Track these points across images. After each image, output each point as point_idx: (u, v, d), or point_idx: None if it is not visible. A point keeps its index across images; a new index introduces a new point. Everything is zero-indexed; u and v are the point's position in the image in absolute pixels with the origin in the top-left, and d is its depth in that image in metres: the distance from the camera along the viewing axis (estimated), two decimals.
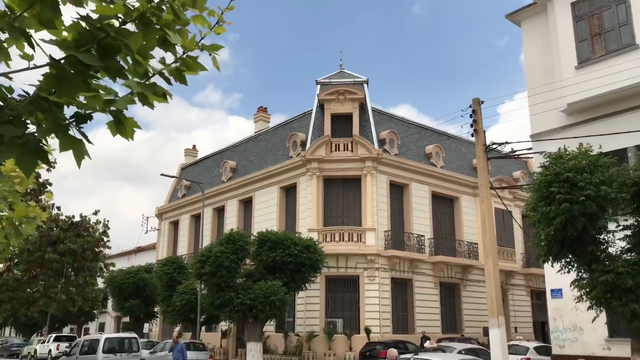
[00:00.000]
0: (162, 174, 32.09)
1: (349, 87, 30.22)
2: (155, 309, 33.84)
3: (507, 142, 16.31)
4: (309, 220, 28.29)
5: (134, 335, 23.29)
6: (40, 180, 14.53)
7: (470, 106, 16.63)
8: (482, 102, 16.65)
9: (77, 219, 26.36)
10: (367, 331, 25.73)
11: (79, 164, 2.08)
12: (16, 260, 16.90)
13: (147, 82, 2.07)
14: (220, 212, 36.25)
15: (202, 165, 41.21)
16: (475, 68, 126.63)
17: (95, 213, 28.06)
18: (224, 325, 29.78)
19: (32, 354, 34.80)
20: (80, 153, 2.06)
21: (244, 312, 22.40)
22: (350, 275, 27.67)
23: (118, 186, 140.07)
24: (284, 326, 28.01)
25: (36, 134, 2.05)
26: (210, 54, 2.15)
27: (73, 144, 2.04)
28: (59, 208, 24.56)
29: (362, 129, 29.58)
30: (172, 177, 33.19)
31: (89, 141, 2.07)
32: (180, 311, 26.79)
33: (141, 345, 25.63)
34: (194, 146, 45.13)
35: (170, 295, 27.99)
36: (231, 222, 33.58)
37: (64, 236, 23.86)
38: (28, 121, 2.19)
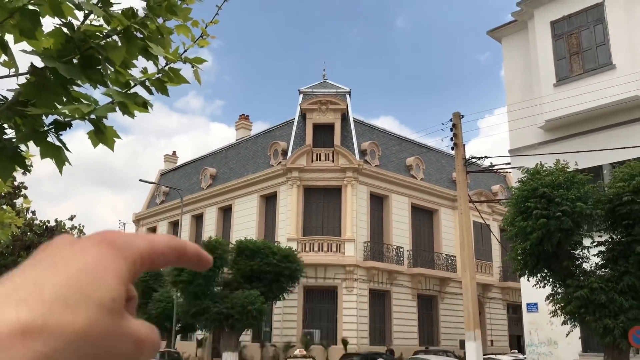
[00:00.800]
0: (140, 180, 31.74)
1: (332, 98, 30.36)
2: None
3: (486, 157, 16.60)
4: (288, 230, 28.21)
5: None
6: (15, 183, 14.25)
7: (450, 120, 16.86)
8: (463, 116, 16.90)
9: (52, 223, 25.95)
10: (345, 342, 25.66)
11: (60, 171, 2.05)
12: None
13: (128, 92, 2.05)
14: (199, 219, 35.96)
15: (181, 172, 40.89)
16: (456, 82, 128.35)
17: (71, 218, 27.72)
18: (199, 334, 29.42)
19: None
20: (60, 160, 2.03)
21: (220, 321, 22.17)
22: (329, 286, 27.62)
23: (95, 190, 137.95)
24: (260, 336, 27.79)
25: (14, 140, 2.01)
26: (192, 67, 2.14)
27: (53, 151, 2.01)
28: (33, 212, 24.14)
29: (343, 140, 29.69)
30: (151, 183, 32.86)
31: (67, 149, 2.04)
32: (156, 319, 26.40)
33: None
34: (174, 152, 44.80)
35: (146, 303, 27.59)
36: (210, 229, 33.31)
37: (38, 241, 23.45)
38: (6, 126, 2.16)
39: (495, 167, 18.36)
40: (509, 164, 18.00)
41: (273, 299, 24.23)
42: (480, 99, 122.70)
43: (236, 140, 38.05)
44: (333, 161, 29.10)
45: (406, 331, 29.22)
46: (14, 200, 14.04)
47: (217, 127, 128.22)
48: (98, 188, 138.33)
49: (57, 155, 2.04)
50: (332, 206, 29.06)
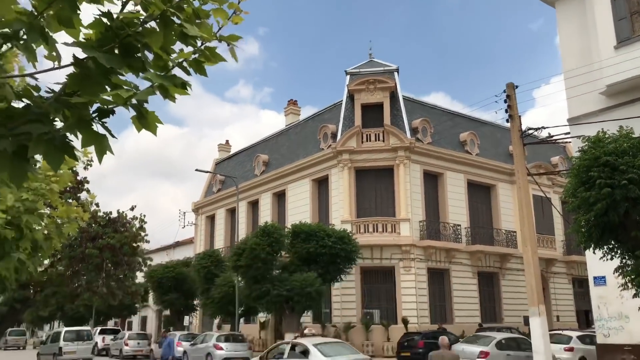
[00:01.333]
0: (196, 169, 32.63)
1: (379, 77, 29.94)
2: (195, 302, 34.52)
3: (543, 127, 15.92)
4: (341, 212, 28.26)
5: (88, 328, 30.47)
6: (78, 178, 14.96)
7: (504, 91, 16.25)
8: (517, 86, 16.24)
9: (114, 215, 27.12)
10: (405, 322, 25.61)
11: (100, 160, 2.11)
12: (59, 257, 17.57)
13: (166, 74, 2.07)
14: (254, 205, 36.60)
15: (235, 160, 41.65)
16: (509, 53, 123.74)
17: (132, 209, 28.84)
18: (262, 317, 30.13)
19: None
20: (102, 148, 2.08)
21: (280, 303, 22.62)
22: (386, 267, 27.55)
23: (156, 183, 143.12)
24: (321, 317, 28.14)
25: (61, 130, 2.08)
26: (228, 45, 2.14)
27: (95, 139, 2.07)
28: (97, 205, 25.33)
29: (393, 119, 29.29)
30: (207, 172, 33.68)
31: (112, 135, 2.09)
32: (219, 303, 27.22)
33: (181, 338, 26.53)
34: (227, 141, 45.63)
35: (208, 288, 28.47)
36: (265, 215, 33.85)
37: (103, 232, 24.63)
38: (55, 118, 2.23)
39: (554, 138, 17.54)
40: (568, 133, 17.19)
41: (330, 280, 24.45)
42: (535, 68, 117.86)
43: (286, 126, 38.31)
44: (383, 141, 28.80)
45: (467, 309, 28.82)
46: (78, 195, 14.74)
47: (267, 115, 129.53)
48: (158, 180, 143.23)
49: (100, 142, 2.09)
50: (384, 187, 28.84)
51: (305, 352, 13.73)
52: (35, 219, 6.13)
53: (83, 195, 15.07)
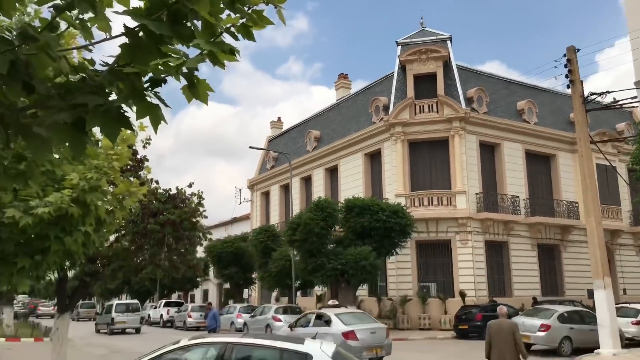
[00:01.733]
0: (250, 147, 33.11)
1: (431, 46, 29.15)
2: (253, 276, 35.46)
3: (607, 92, 15.06)
4: (395, 186, 28.02)
5: (136, 301, 33.56)
6: (138, 156, 15.51)
7: (564, 55, 15.45)
8: (578, 49, 15.40)
9: (173, 192, 28.07)
10: (462, 295, 25.34)
11: (155, 129, 2.15)
12: (123, 232, 18.42)
13: (215, 41, 2.07)
14: (307, 181, 36.86)
15: (287, 137, 41.95)
16: (568, 16, 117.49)
17: (190, 186, 29.74)
18: (318, 290, 30.60)
19: (147, 318, 38.07)
20: (157, 118, 2.12)
21: (336, 276, 22.86)
22: (442, 240, 27.22)
23: (211, 162, 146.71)
24: (376, 291, 28.27)
25: (116, 102, 2.13)
26: (275, 7, 2.11)
27: (149, 110, 2.10)
28: (157, 182, 26.22)
29: (447, 89, 28.55)
30: (260, 149, 34.12)
31: (166, 105, 2.12)
32: (277, 277, 27.81)
33: (242, 310, 27.47)
34: (279, 118, 45.97)
35: (265, 262, 29.12)
36: (318, 190, 34.05)
37: (163, 208, 25.55)
38: (110, 91, 2.28)
39: (619, 103, 16.57)
40: (635, 97, 16.23)
41: (385, 254, 24.44)
42: (597, 31, 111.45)
43: (337, 100, 38.11)
44: (437, 112, 28.17)
45: (527, 282, 28.15)
46: (139, 173, 15.30)
47: (318, 90, 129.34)
48: (214, 159, 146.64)
49: (154, 113, 2.12)
50: (439, 159, 28.30)
51: (328, 321, 14.85)
52: (99, 196, 6.40)
53: (142, 173, 15.76)
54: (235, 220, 50.65)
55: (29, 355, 14.59)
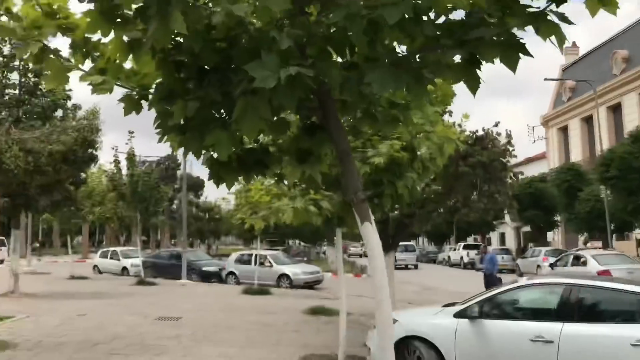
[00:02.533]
0: (545, 79, 30.63)
1: None
2: (556, 218, 33.23)
3: None
4: None
5: (411, 243, 35.87)
6: (448, 108, 15.68)
7: None
8: None
9: (479, 133, 27.93)
10: None
11: (561, 48, 2.03)
12: (433, 176, 19.18)
13: None
14: (616, 110, 32.24)
15: (585, 62, 37.16)
16: None
17: (496, 125, 29.14)
18: (638, 233, 26.91)
19: (447, 259, 39.65)
20: (561, 37, 2.01)
21: None
22: None
23: (492, 102, 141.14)
24: None
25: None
26: None
27: (553, 29, 2.00)
28: (459, 125, 26.46)
29: None
30: (557, 80, 31.22)
31: (569, 22, 1.99)
32: (585, 219, 25.48)
33: (547, 253, 26.13)
34: (574, 43, 40.88)
35: (570, 203, 26.90)
36: (632, 119, 29.44)
37: (472, 150, 25.69)
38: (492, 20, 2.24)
39: None
40: None
41: None
42: None
43: None
44: None
45: None
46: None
47: (620, 4, 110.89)
48: (495, 99, 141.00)
49: (558, 32, 2.01)
50: None
51: (585, 262, 16.02)
52: (424, 142, 6.71)
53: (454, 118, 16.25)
54: (528, 161, 47.94)
55: (358, 288, 16.65)
